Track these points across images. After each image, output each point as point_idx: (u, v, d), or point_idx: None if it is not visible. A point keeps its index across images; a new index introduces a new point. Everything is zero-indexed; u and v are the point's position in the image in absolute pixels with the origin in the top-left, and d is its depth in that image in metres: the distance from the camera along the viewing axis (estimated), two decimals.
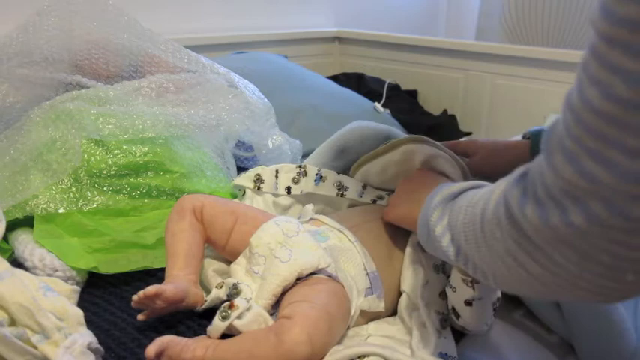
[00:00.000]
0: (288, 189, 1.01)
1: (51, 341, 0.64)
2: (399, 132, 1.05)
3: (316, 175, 1.00)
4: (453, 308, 0.77)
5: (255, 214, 0.86)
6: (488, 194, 0.55)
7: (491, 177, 0.66)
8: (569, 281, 0.47)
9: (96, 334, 0.69)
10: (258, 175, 1.04)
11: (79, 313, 0.70)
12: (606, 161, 0.40)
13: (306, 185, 1.00)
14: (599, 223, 0.41)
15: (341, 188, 0.98)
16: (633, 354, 0.75)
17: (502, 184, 0.53)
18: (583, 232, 0.42)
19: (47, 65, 1.16)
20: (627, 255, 0.42)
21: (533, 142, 0.98)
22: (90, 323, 0.73)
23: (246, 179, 1.04)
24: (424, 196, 0.72)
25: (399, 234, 0.86)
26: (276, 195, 1.02)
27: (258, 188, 1.02)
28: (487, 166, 0.99)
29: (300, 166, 1.02)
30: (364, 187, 0.98)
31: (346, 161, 1.03)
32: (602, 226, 0.41)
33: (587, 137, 0.40)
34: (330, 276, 0.74)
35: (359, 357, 0.67)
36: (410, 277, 0.81)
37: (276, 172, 1.03)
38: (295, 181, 1.01)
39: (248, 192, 1.04)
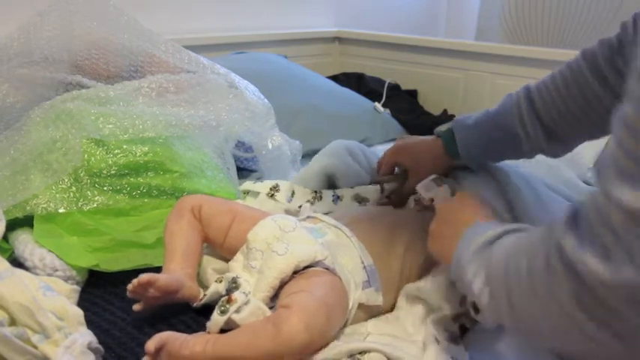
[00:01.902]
0: (300, 207, 1.03)
1: (51, 341, 0.64)
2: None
3: (333, 195, 1.04)
4: (474, 303, 0.75)
5: (252, 213, 0.87)
6: (532, 242, 0.49)
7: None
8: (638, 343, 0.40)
9: (96, 334, 0.70)
10: (277, 184, 1.07)
11: (79, 313, 0.70)
12: None
13: (322, 207, 1.03)
14: None
15: (360, 200, 1.02)
16: None
17: (547, 229, 0.47)
18: None
19: (47, 65, 1.16)
20: None
21: (445, 141, 0.98)
22: (90, 323, 0.73)
23: (262, 186, 1.07)
24: (462, 228, 0.68)
25: (397, 232, 0.87)
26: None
27: (272, 195, 1.04)
28: (422, 172, 0.96)
29: (315, 192, 1.06)
30: (382, 190, 1.01)
31: (331, 183, 1.08)
32: None
33: None
34: (327, 268, 0.75)
35: (360, 353, 0.67)
36: (431, 288, 0.79)
37: (293, 192, 1.06)
38: (310, 202, 1.04)
39: (261, 195, 1.05)
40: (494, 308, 0.56)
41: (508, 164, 1.03)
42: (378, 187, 1.06)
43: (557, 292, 0.44)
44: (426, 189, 0.90)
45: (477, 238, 0.63)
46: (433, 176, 0.92)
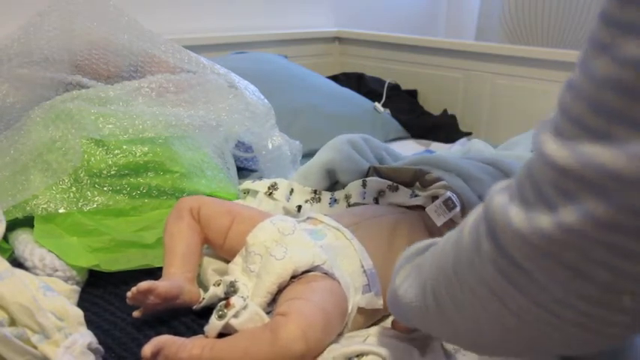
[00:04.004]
0: (299, 207, 1.03)
1: (51, 341, 0.64)
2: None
3: (330, 198, 1.04)
4: None
5: (252, 213, 0.87)
6: (461, 226, 0.46)
7: None
8: (555, 312, 0.38)
9: (96, 334, 0.70)
10: (275, 182, 1.07)
11: (79, 313, 0.70)
12: (611, 140, 0.33)
13: (320, 209, 1.03)
14: (597, 221, 0.34)
15: (349, 198, 1.01)
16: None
17: (477, 209, 0.45)
18: (576, 234, 0.34)
19: (47, 65, 1.16)
20: (630, 269, 0.34)
21: None
22: (90, 323, 0.73)
23: (261, 185, 1.07)
24: None
25: (399, 232, 0.86)
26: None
27: (270, 194, 1.04)
28: None
29: (315, 192, 1.06)
30: (364, 185, 1.00)
31: (332, 181, 1.08)
32: (600, 225, 0.34)
33: (589, 114, 0.34)
34: (325, 273, 0.75)
35: (357, 356, 0.67)
36: None
37: (292, 190, 1.06)
38: (310, 203, 1.04)
39: (260, 194, 1.05)
40: (424, 312, 0.52)
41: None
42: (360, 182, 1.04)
43: (480, 262, 0.41)
44: (437, 214, 0.89)
45: (407, 252, 0.60)
46: (447, 195, 0.89)
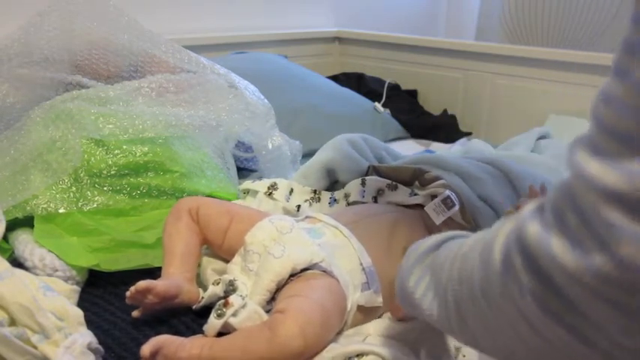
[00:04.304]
0: (299, 207, 1.04)
1: (51, 341, 0.64)
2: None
3: (330, 198, 1.04)
4: None
5: (250, 213, 0.87)
6: (486, 242, 0.43)
7: None
8: (601, 348, 0.35)
9: (96, 334, 0.70)
10: (274, 182, 1.07)
11: (79, 313, 0.70)
12: None
13: (320, 209, 1.03)
14: None
15: (348, 196, 1.02)
16: None
17: (504, 225, 0.41)
18: (633, 272, 0.30)
19: (47, 65, 1.16)
20: None
21: None
22: (90, 323, 0.73)
23: (260, 185, 1.07)
24: None
25: (397, 230, 0.87)
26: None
27: (270, 194, 1.04)
28: None
29: (315, 191, 1.06)
30: (363, 183, 1.00)
31: (332, 181, 1.09)
32: None
33: (638, 127, 0.31)
34: (324, 271, 0.75)
35: (357, 356, 0.67)
36: None
37: (291, 189, 1.06)
38: (309, 202, 1.05)
39: (259, 194, 1.06)
40: (445, 319, 0.50)
41: (520, 167, 1.03)
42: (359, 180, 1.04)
43: (520, 294, 0.37)
44: (436, 213, 0.89)
45: (418, 248, 0.59)
46: (446, 194, 0.89)
